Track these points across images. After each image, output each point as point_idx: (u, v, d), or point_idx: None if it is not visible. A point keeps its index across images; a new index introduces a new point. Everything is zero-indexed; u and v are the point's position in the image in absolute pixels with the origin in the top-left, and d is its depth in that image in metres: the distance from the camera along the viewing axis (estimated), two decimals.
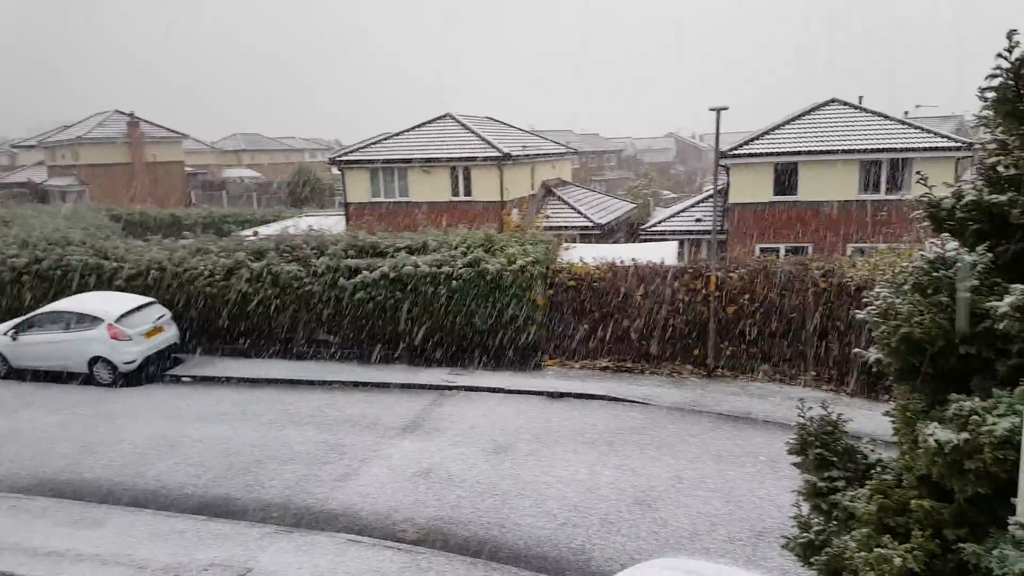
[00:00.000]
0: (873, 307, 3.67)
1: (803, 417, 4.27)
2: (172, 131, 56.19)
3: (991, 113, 3.54)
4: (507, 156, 28.57)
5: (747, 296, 14.36)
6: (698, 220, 27.77)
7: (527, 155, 31.12)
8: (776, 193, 24.76)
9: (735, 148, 25.05)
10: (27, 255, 19.46)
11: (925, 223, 3.80)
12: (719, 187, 18.32)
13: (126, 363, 16.23)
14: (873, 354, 3.71)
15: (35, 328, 16.77)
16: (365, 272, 16.72)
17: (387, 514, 10.10)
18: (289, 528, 9.85)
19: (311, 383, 15.97)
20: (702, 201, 30.18)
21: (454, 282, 16.03)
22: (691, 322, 14.92)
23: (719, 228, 25.11)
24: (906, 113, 42.22)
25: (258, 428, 13.46)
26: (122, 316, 16.29)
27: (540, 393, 14.54)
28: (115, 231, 24.84)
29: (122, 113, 53.62)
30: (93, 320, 16.29)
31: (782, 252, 23.86)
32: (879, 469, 3.65)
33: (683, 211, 29.66)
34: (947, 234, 3.37)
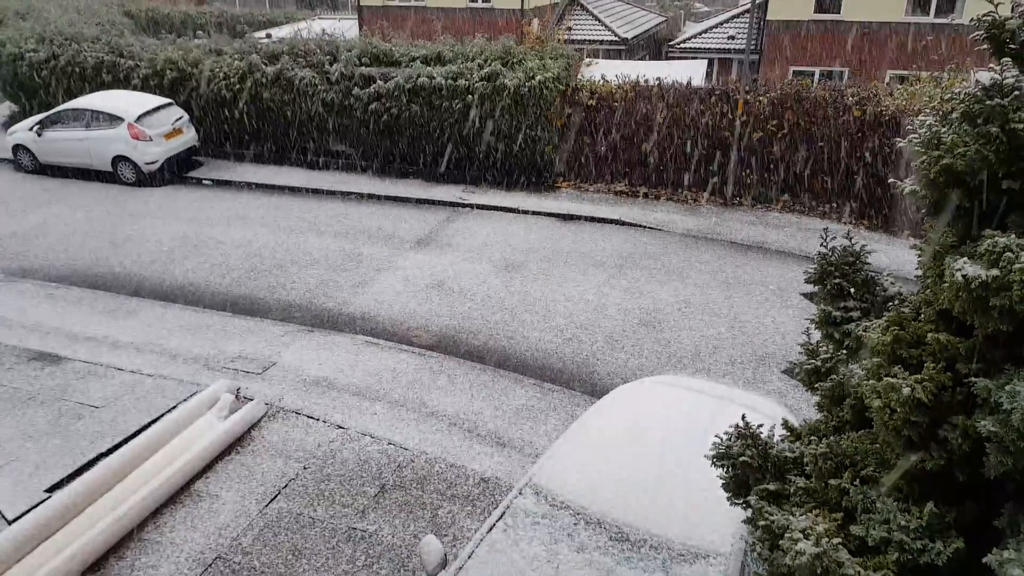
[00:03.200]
0: (916, 136, 3.52)
1: (825, 246, 4.25)
2: None
3: None
4: None
5: (774, 122, 13.87)
6: (731, 38, 26.20)
7: None
8: (817, 10, 23.07)
9: None
10: (45, 50, 18.93)
11: (984, 46, 3.52)
12: (757, 1, 17.11)
13: (148, 163, 16.23)
14: (908, 185, 3.61)
15: (58, 125, 16.65)
16: (379, 82, 16.15)
17: (402, 320, 10.55)
18: (310, 328, 10.34)
19: (328, 193, 16.03)
20: (737, 16, 28.27)
21: (470, 96, 15.51)
22: (713, 148, 14.56)
23: (753, 47, 23.76)
24: None
25: (278, 233, 13.72)
26: (141, 116, 16.07)
27: (553, 215, 14.56)
28: (129, 27, 23.78)
29: None
30: (113, 119, 16.10)
31: (817, 76, 22.72)
32: (897, 302, 3.69)
33: (716, 27, 27.88)
34: (1008, 59, 3.13)
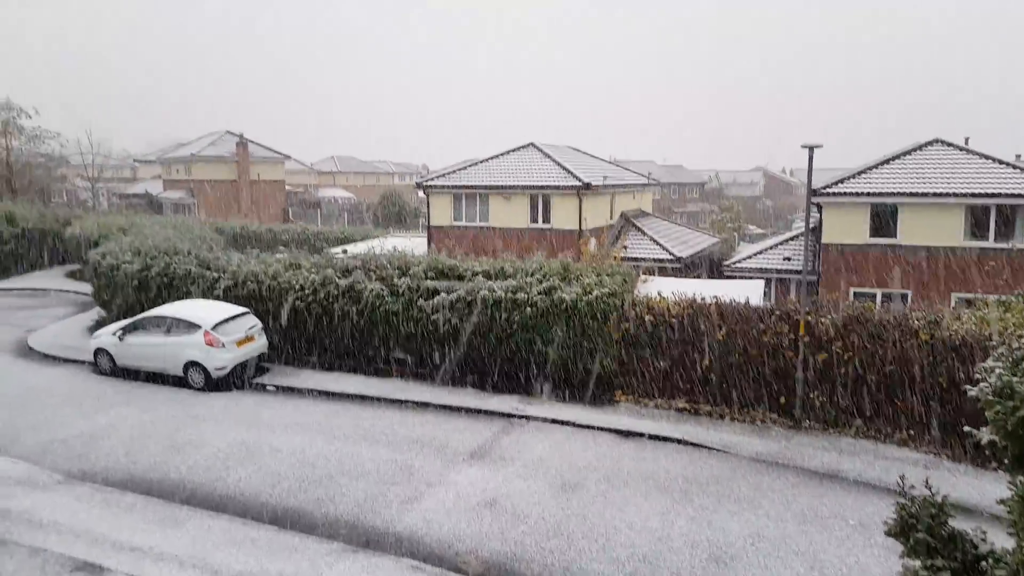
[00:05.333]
0: (986, 383, 3.36)
1: (904, 495, 3.93)
2: (276, 152, 59.32)
3: None
4: (587, 186, 28.51)
5: (840, 344, 13.66)
6: (787, 259, 26.81)
7: (607, 185, 30.96)
8: (873, 235, 23.66)
9: (829, 186, 24.12)
10: (139, 262, 20.77)
11: None
12: (811, 225, 17.61)
13: (218, 369, 16.87)
14: (986, 435, 3.38)
15: (140, 330, 17.72)
16: (443, 294, 16.89)
17: (451, 543, 10.01)
18: (355, 548, 9.89)
19: (385, 400, 16.16)
20: (792, 239, 29.15)
21: (528, 309, 15.97)
22: (777, 368, 14.31)
23: (810, 269, 24.19)
24: (1018, 156, 39.85)
25: (333, 442, 13.69)
26: (218, 324, 16.99)
27: (612, 430, 14.20)
28: (218, 243, 26.00)
29: (232, 134, 57.06)
30: (191, 326, 17.04)
31: (878, 298, 22.74)
32: (991, 562, 3.29)
33: (771, 248, 28.71)
34: None
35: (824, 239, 24.39)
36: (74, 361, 19.40)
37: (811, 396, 14.05)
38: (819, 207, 24.69)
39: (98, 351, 18.34)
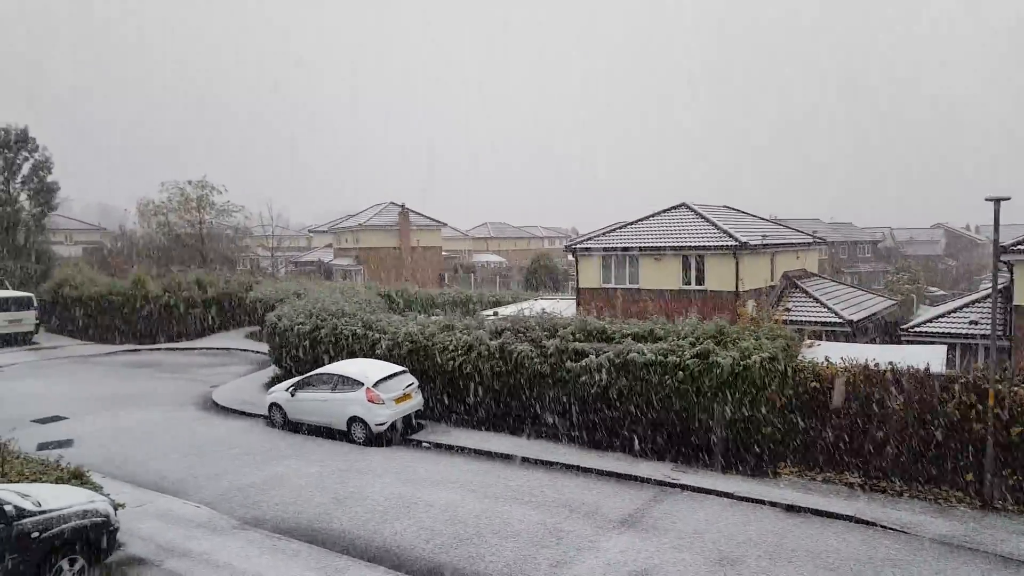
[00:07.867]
0: None
1: None
2: (434, 220, 63.00)
3: None
4: (743, 245, 27.55)
5: None
6: (973, 322, 24.26)
7: (766, 244, 29.74)
8: None
9: (1022, 242, 21.74)
10: (311, 324, 22.55)
11: None
12: (1000, 286, 15.82)
13: (378, 424, 17.71)
14: None
15: (309, 387, 19.05)
16: (591, 356, 16.79)
17: None
18: None
19: (534, 461, 16.14)
20: (979, 301, 26.41)
21: (680, 372, 15.47)
22: (963, 442, 12.85)
23: (1000, 333, 21.73)
24: None
25: (484, 500, 13.82)
26: (379, 381, 17.93)
27: (774, 504, 13.28)
28: (381, 306, 27.63)
29: (395, 204, 61.26)
30: (355, 383, 18.10)
31: None
32: None
33: (954, 311, 26.11)
34: None
35: (1017, 300, 21.87)
36: (251, 415, 21.10)
37: (1003, 474, 12.44)
38: (1009, 265, 22.27)
39: (272, 406, 19.84)
